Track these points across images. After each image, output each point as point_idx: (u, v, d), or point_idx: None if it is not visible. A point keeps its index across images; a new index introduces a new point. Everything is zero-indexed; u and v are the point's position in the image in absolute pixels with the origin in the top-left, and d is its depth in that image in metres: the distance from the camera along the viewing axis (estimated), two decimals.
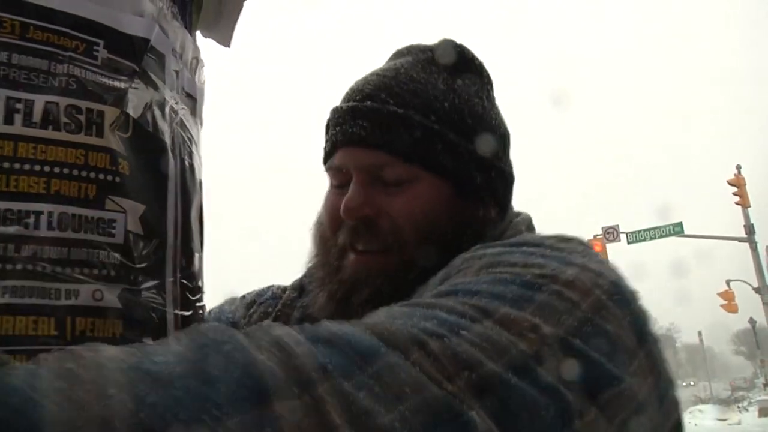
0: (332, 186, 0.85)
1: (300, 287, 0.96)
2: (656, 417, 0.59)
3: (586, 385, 0.50)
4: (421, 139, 0.78)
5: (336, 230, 0.82)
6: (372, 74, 0.85)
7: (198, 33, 0.82)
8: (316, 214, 0.88)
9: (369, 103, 0.81)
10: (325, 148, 0.87)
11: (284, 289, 0.99)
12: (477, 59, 0.89)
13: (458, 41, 0.89)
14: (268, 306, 0.96)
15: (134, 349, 0.39)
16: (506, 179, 0.86)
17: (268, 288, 1.01)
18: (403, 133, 0.78)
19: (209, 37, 0.88)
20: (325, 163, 0.87)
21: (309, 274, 0.91)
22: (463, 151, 0.80)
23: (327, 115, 0.87)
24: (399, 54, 0.90)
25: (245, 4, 0.83)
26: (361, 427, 0.36)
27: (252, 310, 0.96)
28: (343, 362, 0.39)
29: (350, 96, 0.84)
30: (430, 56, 0.86)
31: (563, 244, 0.67)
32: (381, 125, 0.79)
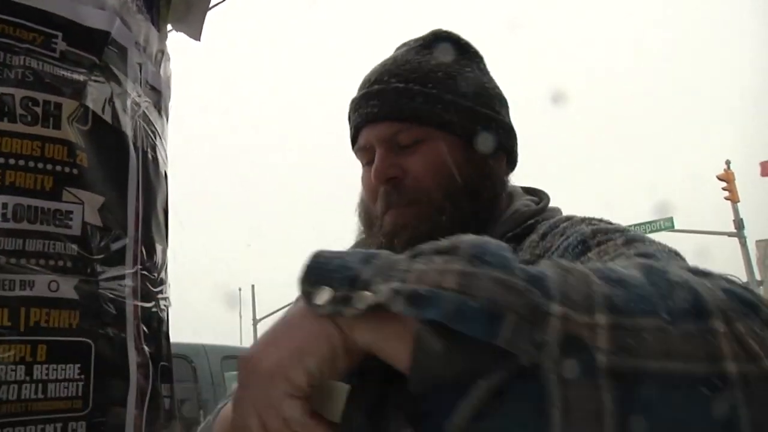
0: (363, 166, 0.97)
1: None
2: None
3: None
4: (424, 103, 0.91)
5: (375, 199, 0.93)
6: (376, 65, 0.99)
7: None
8: (359, 196, 0.99)
9: (376, 86, 0.94)
10: (350, 136, 1.00)
11: None
12: (463, 40, 1.02)
13: (446, 29, 1.03)
14: None
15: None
16: (508, 132, 0.98)
17: None
18: (408, 101, 0.91)
19: (180, 31, 0.88)
20: (353, 149, 1.00)
21: (358, 245, 1.00)
22: (463, 107, 0.92)
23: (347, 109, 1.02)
24: (397, 48, 1.04)
25: None
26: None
27: None
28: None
29: (361, 86, 0.98)
30: (422, 43, 1.00)
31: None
32: (388, 100, 0.92)
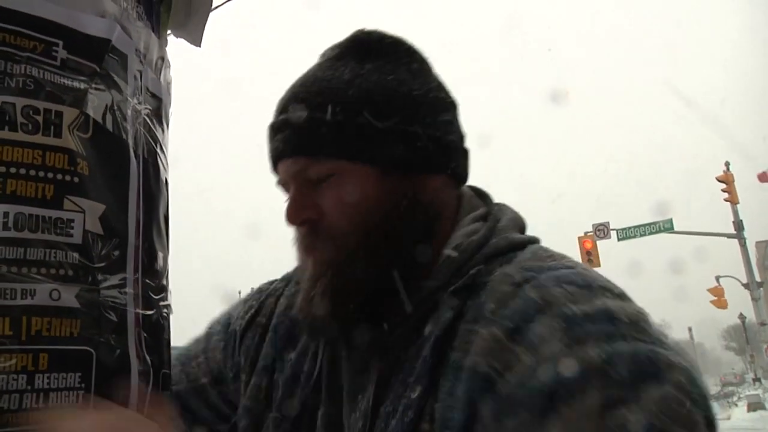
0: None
1: (288, 278, 1.00)
2: None
3: None
4: (329, 133, 0.80)
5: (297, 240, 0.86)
6: (289, 86, 0.88)
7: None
8: None
9: (282, 116, 0.84)
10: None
11: (272, 282, 1.03)
12: (389, 38, 0.89)
13: (369, 28, 0.90)
14: (252, 300, 1.00)
15: None
16: (445, 146, 0.85)
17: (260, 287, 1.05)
18: (313, 133, 0.81)
19: (180, 37, 0.88)
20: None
21: (297, 269, 0.93)
22: (379, 130, 0.81)
23: None
24: (317, 58, 0.92)
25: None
26: None
27: (247, 305, 1.00)
28: None
29: (273, 114, 0.88)
30: (338, 52, 0.88)
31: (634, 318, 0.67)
32: (294, 133, 0.82)
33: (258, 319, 0.96)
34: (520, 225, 0.85)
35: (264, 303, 0.98)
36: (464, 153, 0.89)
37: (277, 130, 0.84)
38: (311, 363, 0.86)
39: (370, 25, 0.91)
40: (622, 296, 0.69)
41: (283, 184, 0.86)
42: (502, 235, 0.81)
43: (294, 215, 0.82)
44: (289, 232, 0.86)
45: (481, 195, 0.91)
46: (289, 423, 0.84)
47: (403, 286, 0.77)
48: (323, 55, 0.90)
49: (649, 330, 0.66)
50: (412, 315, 0.77)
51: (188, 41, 0.88)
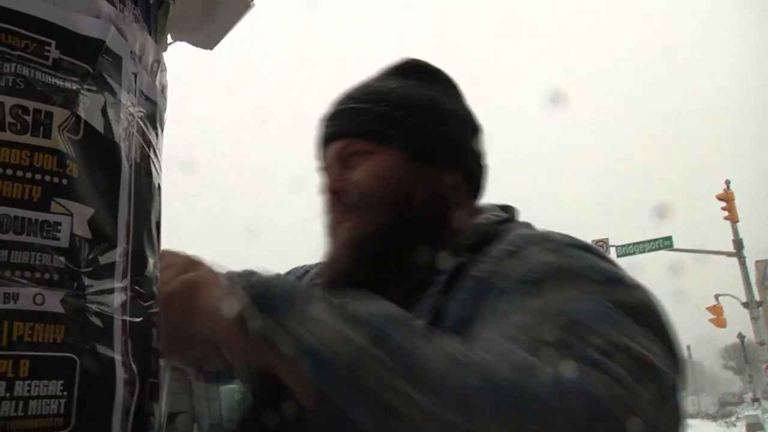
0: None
1: (313, 266, 1.12)
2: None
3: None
4: (373, 120, 0.97)
5: (329, 211, 0.99)
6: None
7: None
8: None
9: (336, 108, 1.02)
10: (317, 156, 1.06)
11: (301, 266, 1.16)
12: (433, 68, 1.06)
13: (420, 59, 1.07)
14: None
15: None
16: (466, 152, 1.01)
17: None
18: (359, 119, 0.98)
19: (184, 40, 0.87)
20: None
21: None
22: (411, 124, 0.96)
23: None
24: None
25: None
26: None
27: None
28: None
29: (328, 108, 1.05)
30: (390, 69, 1.06)
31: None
32: (343, 119, 1.00)
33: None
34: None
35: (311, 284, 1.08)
36: (482, 167, 1.03)
37: (329, 117, 1.01)
38: None
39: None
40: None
41: (325, 166, 1.00)
42: (522, 221, 0.97)
43: (328, 186, 0.97)
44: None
45: (505, 208, 1.04)
46: None
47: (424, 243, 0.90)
48: (378, 72, 1.07)
49: (618, 268, 0.80)
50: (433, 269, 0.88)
51: (196, 45, 0.88)
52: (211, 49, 0.90)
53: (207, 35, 0.87)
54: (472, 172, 1.02)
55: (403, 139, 0.96)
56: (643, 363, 0.64)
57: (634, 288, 0.75)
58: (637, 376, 0.62)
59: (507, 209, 1.02)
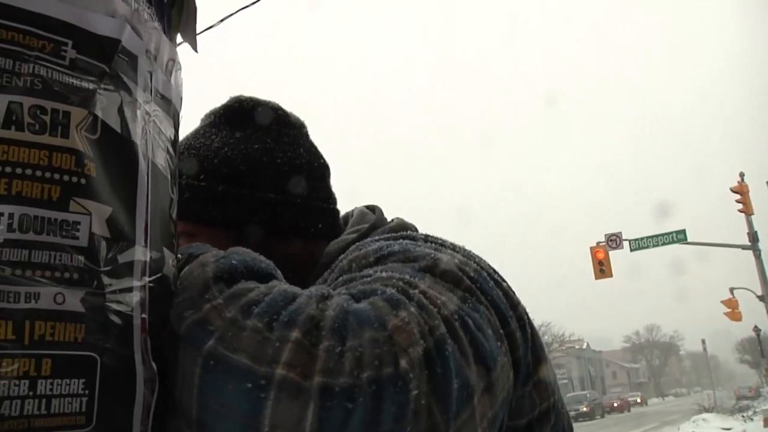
0: None
1: None
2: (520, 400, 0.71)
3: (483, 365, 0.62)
4: (191, 198, 0.88)
5: None
6: None
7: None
8: None
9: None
10: None
11: None
12: (260, 107, 0.96)
13: (245, 96, 0.97)
14: None
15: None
16: (305, 209, 0.93)
17: None
18: (182, 197, 0.84)
19: (185, 41, 0.87)
20: None
21: None
22: (237, 198, 0.89)
23: None
24: (201, 120, 1.00)
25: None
26: None
27: None
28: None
29: None
30: (213, 119, 0.96)
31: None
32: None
33: None
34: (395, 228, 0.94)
35: None
36: (331, 213, 0.96)
37: None
38: None
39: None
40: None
41: None
42: (380, 229, 0.92)
43: None
44: None
45: (371, 209, 0.99)
46: None
47: None
48: (201, 120, 0.97)
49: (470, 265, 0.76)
50: None
51: (190, 45, 0.87)
52: (196, 50, 0.88)
53: (188, 35, 0.86)
54: (318, 226, 0.94)
55: (228, 219, 0.88)
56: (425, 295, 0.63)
57: (444, 262, 0.73)
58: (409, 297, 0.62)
59: (373, 210, 0.98)
